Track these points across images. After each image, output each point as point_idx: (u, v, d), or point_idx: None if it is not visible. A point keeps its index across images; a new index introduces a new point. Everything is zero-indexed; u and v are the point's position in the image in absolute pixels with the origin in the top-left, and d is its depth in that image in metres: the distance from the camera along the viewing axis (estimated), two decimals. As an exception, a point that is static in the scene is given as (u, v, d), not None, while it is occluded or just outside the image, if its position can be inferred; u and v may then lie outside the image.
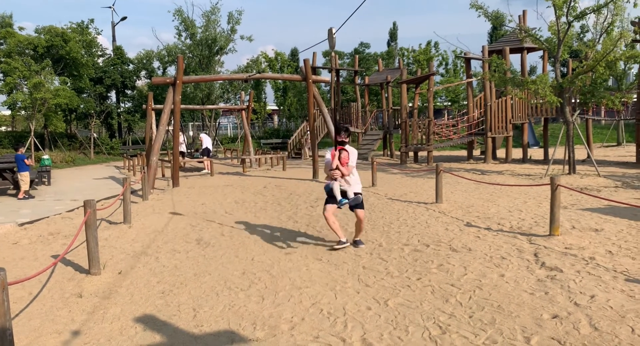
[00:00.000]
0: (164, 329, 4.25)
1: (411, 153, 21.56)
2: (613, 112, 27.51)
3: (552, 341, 3.77)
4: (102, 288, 5.39)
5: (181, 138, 20.11)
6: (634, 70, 20.01)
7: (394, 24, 51.01)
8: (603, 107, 28.12)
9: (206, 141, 20.11)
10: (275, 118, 47.05)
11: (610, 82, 30.18)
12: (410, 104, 25.17)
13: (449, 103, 41.20)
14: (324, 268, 5.88)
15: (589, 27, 29.26)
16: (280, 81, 38.64)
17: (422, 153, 21.08)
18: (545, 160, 19.00)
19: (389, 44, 50.16)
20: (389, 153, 25.45)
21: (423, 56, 39.27)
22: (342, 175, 6.66)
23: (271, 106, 45.84)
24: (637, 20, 16.20)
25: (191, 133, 38.30)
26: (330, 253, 6.57)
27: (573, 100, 16.37)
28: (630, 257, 5.82)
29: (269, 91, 44.70)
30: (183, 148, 20.11)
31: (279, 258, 6.37)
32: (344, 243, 6.69)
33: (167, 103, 14.13)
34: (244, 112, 22.98)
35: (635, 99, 18.85)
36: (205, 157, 19.24)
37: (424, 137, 20.12)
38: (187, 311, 4.66)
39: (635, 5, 13.37)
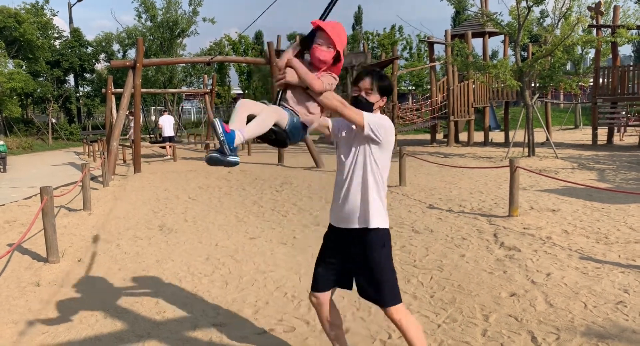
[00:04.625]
0: (126, 316, 4.19)
1: (376, 137, 21.72)
2: (571, 95, 28.27)
3: (510, 318, 3.88)
4: (60, 276, 5.27)
5: (164, 120, 19.61)
6: (591, 55, 20.56)
7: (359, 7, 50.84)
8: (561, 91, 28.87)
9: (167, 125, 19.68)
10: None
11: (568, 67, 30.96)
12: (375, 88, 25.25)
13: (413, 88, 41.56)
14: (288, 252, 5.89)
15: (548, 12, 29.87)
16: (244, 64, 38.15)
17: (387, 137, 21.25)
18: (506, 143, 19.42)
19: (353, 28, 50.00)
20: (354, 137, 25.53)
21: (387, 40, 39.39)
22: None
23: (236, 90, 45.30)
24: (593, 5, 16.61)
25: (153, 117, 37.54)
26: (295, 237, 6.58)
27: (533, 84, 16.72)
28: (584, 236, 6.03)
29: (233, 75, 44.09)
30: (170, 132, 19.42)
31: (244, 243, 6.35)
32: None
33: (127, 87, 13.79)
34: (207, 96, 22.63)
35: (591, 83, 19.40)
36: (167, 142, 18.91)
37: (388, 120, 20.21)
38: (149, 297, 4.60)
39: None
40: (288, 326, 3.87)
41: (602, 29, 17.60)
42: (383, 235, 2.78)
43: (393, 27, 42.43)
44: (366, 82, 2.72)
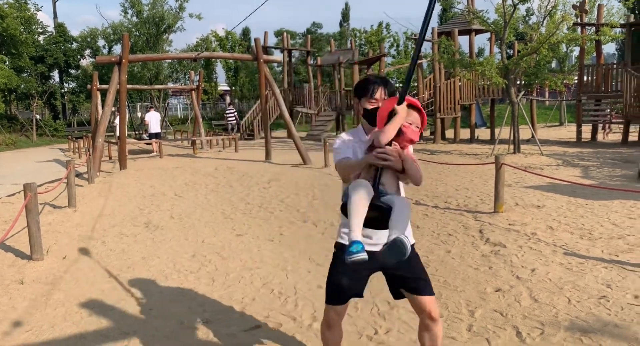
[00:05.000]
0: (111, 314, 4.16)
1: (363, 134, 21.76)
2: (556, 93, 28.53)
3: (495, 313, 3.92)
4: (45, 274, 5.21)
5: (150, 116, 19.54)
6: (576, 53, 20.79)
7: (346, 4, 50.87)
8: (547, 89, 29.12)
9: (153, 121, 19.52)
10: (227, 98, 46.33)
11: (553, 64, 31.24)
12: (362, 85, 25.29)
13: (401, 85, 41.64)
14: (275, 249, 5.89)
15: (533, 10, 30.06)
16: (231, 61, 37.94)
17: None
18: (492, 140, 19.54)
19: (341, 25, 50.04)
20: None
21: (375, 37, 39.38)
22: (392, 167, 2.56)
23: (223, 86, 45.06)
24: (578, 4, 16.75)
25: (139, 114, 37.24)
26: (282, 234, 6.57)
27: (518, 82, 16.84)
28: (569, 232, 6.10)
29: (220, 71, 43.86)
30: (156, 128, 19.47)
31: (230, 240, 6.33)
32: None
33: (113, 83, 13.65)
34: (194, 92, 22.48)
35: (576, 81, 19.59)
36: (154, 139, 18.76)
37: (375, 117, 20.24)
38: (134, 295, 4.57)
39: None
40: (275, 323, 3.87)
41: (587, 27, 17.77)
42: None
43: (380, 24, 42.40)
44: (382, 93, 2.68)
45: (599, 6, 16.96)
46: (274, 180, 10.72)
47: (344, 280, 2.81)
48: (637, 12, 33.00)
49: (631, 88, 16.63)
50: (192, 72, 26.57)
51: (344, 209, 2.49)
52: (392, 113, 2.49)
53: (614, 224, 6.32)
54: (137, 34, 32.22)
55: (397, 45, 42.65)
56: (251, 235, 6.53)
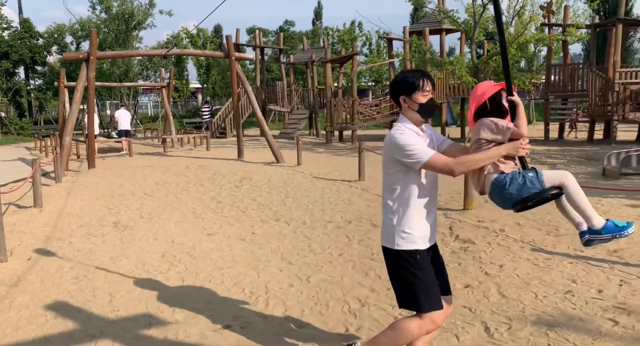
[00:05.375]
0: (77, 315, 4.07)
1: (336, 133, 21.79)
2: (524, 92, 29.08)
3: (464, 309, 3.97)
4: (8, 276, 5.07)
5: (121, 113, 19.25)
6: (544, 53, 21.21)
7: (319, 2, 50.85)
8: (515, 88, 29.60)
9: (123, 120, 19.20)
10: (199, 96, 45.85)
11: (522, 64, 31.80)
12: (335, 84, 25.33)
13: (373, 84, 41.86)
14: (247, 248, 5.85)
15: (503, 11, 30.54)
16: (203, 58, 37.57)
17: (348, 133, 21.39)
18: (462, 138, 19.82)
19: (314, 23, 49.99)
20: (315, 132, 25.55)
21: (347, 36, 39.49)
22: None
23: (194, 84, 44.58)
24: (545, 5, 17.09)
25: (109, 112, 36.57)
26: (254, 233, 6.53)
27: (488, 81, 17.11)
28: (536, 228, 6.22)
29: (191, 68, 43.37)
30: (126, 125, 19.23)
31: (201, 240, 6.26)
32: None
33: (80, 80, 13.36)
34: (164, 89, 22.20)
35: (543, 80, 19.99)
36: (123, 137, 18.45)
37: (348, 116, 20.34)
38: (102, 296, 4.48)
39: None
40: (245, 322, 3.84)
41: (554, 27, 18.16)
42: None
43: (353, 23, 42.58)
44: (430, 84, 2.70)
45: (566, 7, 17.35)
46: (246, 179, 10.66)
47: (433, 282, 2.74)
48: (601, 13, 33.89)
49: (596, 87, 17.06)
50: (163, 69, 26.21)
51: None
52: (496, 100, 2.69)
53: (579, 220, 6.46)
54: (106, 30, 31.62)
55: (370, 44, 42.89)
56: (222, 234, 6.47)
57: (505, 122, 2.66)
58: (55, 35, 33.48)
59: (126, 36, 31.93)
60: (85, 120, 17.86)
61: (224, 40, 15.43)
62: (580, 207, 2.61)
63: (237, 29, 26.54)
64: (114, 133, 21.68)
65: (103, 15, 31.91)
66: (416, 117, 2.69)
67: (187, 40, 37.42)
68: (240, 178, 10.82)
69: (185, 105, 41.00)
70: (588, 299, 4.03)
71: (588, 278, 4.46)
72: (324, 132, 22.59)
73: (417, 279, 2.68)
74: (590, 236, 2.61)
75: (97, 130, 19.11)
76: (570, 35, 15.22)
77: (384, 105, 21.99)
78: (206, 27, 41.49)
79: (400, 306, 2.84)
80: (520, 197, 2.57)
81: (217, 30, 44.37)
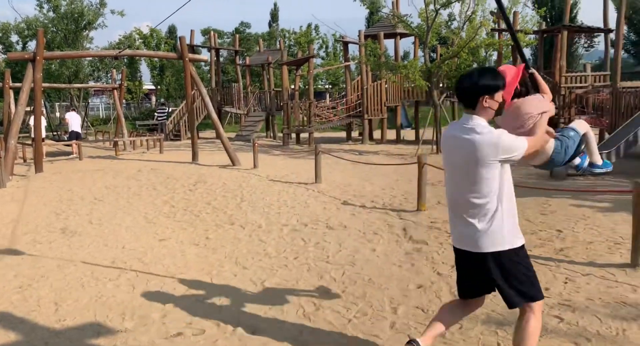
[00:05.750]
0: (21, 326, 3.91)
1: (293, 135, 21.78)
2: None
3: (417, 309, 4.02)
4: (-55, 287, 4.81)
5: (71, 115, 18.60)
6: (494, 57, 21.80)
7: (275, 4, 50.78)
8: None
9: (73, 122, 18.58)
10: (153, 98, 44.92)
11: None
12: (292, 86, 25.32)
13: (330, 86, 42.07)
14: (200, 253, 5.75)
15: (455, 16, 31.29)
16: (156, 59, 36.83)
17: (305, 135, 21.40)
18: (417, 141, 20.15)
19: (270, 25, 49.86)
20: (271, 135, 25.45)
21: (304, 38, 39.61)
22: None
23: (148, 85, 43.65)
24: (495, 10, 17.58)
25: (58, 114, 35.36)
26: (207, 237, 6.43)
27: (441, 85, 17.44)
28: (486, 228, 6.36)
29: (144, 70, 42.45)
30: (76, 127, 18.57)
31: (153, 245, 6.12)
32: None
33: (26, 81, 12.84)
34: (116, 91, 21.63)
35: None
36: (73, 140, 17.85)
37: (305, 118, 20.36)
38: (48, 305, 4.32)
39: (493, -4, 14.52)
40: (197, 329, 3.77)
41: (503, 33, 18.70)
42: None
43: (309, 25, 42.72)
44: None
45: (515, 13, 17.89)
46: (201, 182, 10.50)
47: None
48: (548, 19, 35.17)
49: (543, 91, 17.65)
50: (115, 70, 25.57)
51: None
52: (525, 81, 3.03)
53: (527, 220, 6.67)
54: (54, 30, 30.56)
55: (326, 47, 43.11)
56: (175, 240, 6.35)
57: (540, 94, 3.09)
58: (0, 34, 32.14)
59: (76, 36, 30.95)
60: (32, 122, 17.20)
61: (178, 41, 15.17)
62: (592, 147, 3.41)
63: (191, 31, 26.13)
64: (65, 136, 20.97)
65: (51, 14, 30.84)
66: (490, 115, 2.73)
67: (140, 40, 36.63)
68: (194, 181, 10.65)
69: (138, 107, 40.08)
70: (535, 297, 4.15)
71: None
72: (280, 135, 22.54)
73: (532, 270, 2.83)
74: (589, 168, 3.45)
75: (44, 133, 18.44)
76: (519, 40, 15.70)
77: (340, 107, 22.12)
78: (160, 27, 40.70)
79: (520, 304, 2.80)
80: (578, 149, 3.17)
81: (172, 31, 43.64)
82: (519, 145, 2.68)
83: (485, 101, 2.68)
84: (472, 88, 2.68)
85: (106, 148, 20.20)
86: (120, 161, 15.29)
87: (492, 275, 2.76)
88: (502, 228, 2.71)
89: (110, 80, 27.27)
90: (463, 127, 2.72)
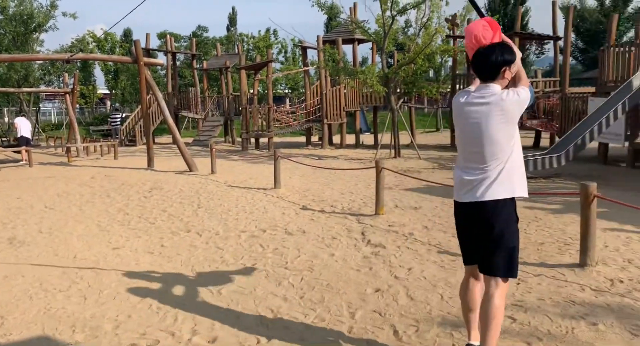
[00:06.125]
0: (-38, 343, 3.71)
1: (253, 140, 21.64)
2: (433, 100, 30.40)
3: (374, 314, 4.04)
4: None
5: (21, 120, 17.90)
6: (450, 63, 22.26)
7: (233, 8, 50.44)
8: (424, 96, 30.94)
9: (23, 127, 17.91)
10: (108, 102, 43.83)
11: (431, 74, 33.24)
12: (251, 90, 25.17)
13: (289, 91, 42.06)
14: (155, 262, 5.62)
15: (411, 22, 31.83)
16: (111, 63, 36.00)
17: (264, 140, 21.30)
18: (376, 145, 20.36)
19: (228, 29, 49.48)
20: (230, 139, 25.22)
21: (263, 43, 39.50)
22: None
23: (102, 90, 42.59)
24: (450, 17, 18.00)
25: (6, 119, 34.02)
26: (163, 245, 6.29)
27: (398, 90, 17.69)
28: (442, 231, 6.48)
29: (99, 74, 41.36)
30: (26, 132, 17.86)
31: (106, 254, 5.94)
32: None
33: (-29, 84, 12.34)
34: (68, 95, 20.98)
35: (449, 90, 20.99)
36: (23, 146, 17.20)
37: (264, 123, 20.26)
38: (-8, 320, 4.12)
39: (447, 3, 14.92)
40: (152, 340, 3.68)
41: (458, 39, 19.15)
42: None
43: (268, 30, 42.65)
44: None
45: (469, 20, 18.33)
46: (156, 189, 10.29)
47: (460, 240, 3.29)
48: (501, 26, 36.20)
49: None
50: (67, 74, 24.80)
51: None
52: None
53: (482, 222, 6.81)
54: (2, 32, 29.44)
55: (285, 52, 43.14)
56: (129, 248, 6.18)
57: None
58: (-57, 36, 30.72)
59: (25, 39, 29.87)
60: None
61: (134, 45, 14.85)
62: None
63: (147, 34, 25.68)
64: (13, 141, 20.19)
65: (-2, 15, 29.70)
66: (505, 83, 3.01)
67: (93, 44, 35.72)
68: (149, 188, 10.43)
69: (92, 112, 39.01)
70: (489, 298, 4.23)
71: (489, 278, 4.69)
72: (239, 140, 22.37)
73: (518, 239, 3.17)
74: None
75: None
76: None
77: (300, 112, 22.13)
78: (115, 31, 39.84)
79: (502, 272, 2.99)
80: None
81: (127, 34, 42.73)
82: (526, 92, 2.95)
83: (506, 72, 2.97)
84: (498, 61, 2.94)
85: (58, 154, 19.56)
86: (72, 168, 14.83)
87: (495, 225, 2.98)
88: (521, 173, 3.03)
89: (62, 85, 26.49)
90: (484, 94, 2.97)
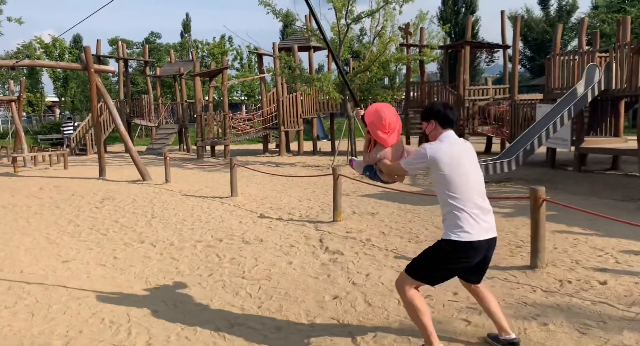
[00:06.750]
0: None
1: (208, 148, 21.37)
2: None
3: (333, 320, 4.04)
4: None
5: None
6: (404, 71, 22.65)
7: (187, 15, 49.84)
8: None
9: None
10: (57, 110, 42.39)
11: (386, 81, 33.74)
12: (206, 98, 24.88)
13: (246, 98, 41.81)
14: (107, 274, 5.45)
15: (366, 30, 32.24)
16: (60, 70, 34.89)
17: (220, 148, 21.06)
18: (333, 152, 20.46)
19: (182, 36, 48.83)
20: (185, 147, 24.83)
21: (218, 49, 39.14)
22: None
23: (51, 97, 41.19)
24: (403, 26, 18.32)
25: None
26: (115, 257, 6.11)
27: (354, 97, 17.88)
28: (399, 236, 6.56)
29: (47, 81, 40.02)
30: None
31: (55, 268, 5.72)
32: None
33: None
34: (14, 103, 20.19)
35: (404, 97, 21.34)
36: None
37: (220, 130, 20.06)
38: None
39: (400, 12, 15.19)
40: (104, 356, 3.55)
41: (412, 47, 19.52)
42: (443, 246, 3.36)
43: (223, 36, 42.34)
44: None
45: (421, 29, 18.71)
46: (108, 199, 10.01)
47: (446, 275, 3.42)
48: (453, 35, 37.19)
49: (450, 103, 18.60)
50: (12, 81, 23.88)
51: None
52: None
53: (437, 227, 6.93)
54: (-59, 36, 28.13)
55: (241, 59, 42.90)
56: (80, 261, 5.97)
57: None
58: None
59: (-33, 44, 28.66)
60: None
61: (83, 51, 14.44)
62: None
63: (98, 40, 25.04)
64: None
65: (-63, 19, 28.36)
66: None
67: (41, 50, 34.56)
68: (101, 198, 10.13)
69: (40, 120, 37.65)
70: (445, 302, 4.31)
71: (446, 283, 4.74)
72: (194, 148, 22.05)
73: (441, 267, 3.51)
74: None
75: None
76: (426, 55, 16.47)
77: (256, 119, 22.02)
78: (64, 37, 38.67)
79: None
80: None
81: (77, 40, 41.51)
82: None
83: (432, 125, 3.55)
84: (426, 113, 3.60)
85: (3, 164, 18.75)
86: (19, 178, 14.25)
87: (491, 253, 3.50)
88: (452, 217, 3.44)
89: (7, 92, 25.46)
90: (458, 138, 3.42)
